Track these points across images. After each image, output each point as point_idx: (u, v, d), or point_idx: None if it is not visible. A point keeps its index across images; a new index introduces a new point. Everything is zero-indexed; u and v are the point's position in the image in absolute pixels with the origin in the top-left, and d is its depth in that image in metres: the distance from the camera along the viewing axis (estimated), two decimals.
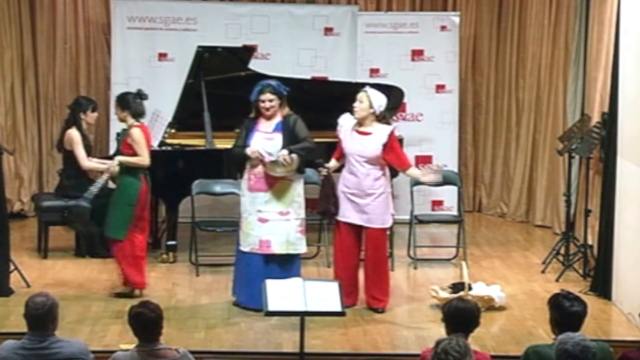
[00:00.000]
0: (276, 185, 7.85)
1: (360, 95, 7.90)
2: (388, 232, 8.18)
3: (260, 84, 7.93)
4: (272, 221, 7.86)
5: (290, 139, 7.80)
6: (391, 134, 7.88)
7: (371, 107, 7.86)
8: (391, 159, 7.92)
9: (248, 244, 7.91)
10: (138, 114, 8.17)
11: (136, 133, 8.10)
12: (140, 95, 8.24)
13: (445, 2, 11.72)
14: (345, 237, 8.01)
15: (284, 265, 7.88)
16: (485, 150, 11.90)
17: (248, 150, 7.81)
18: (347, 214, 7.96)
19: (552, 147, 10.62)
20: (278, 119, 7.89)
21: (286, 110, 7.92)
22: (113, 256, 8.30)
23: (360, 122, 7.91)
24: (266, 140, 7.82)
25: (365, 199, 7.87)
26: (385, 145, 7.84)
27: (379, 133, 7.87)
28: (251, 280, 7.77)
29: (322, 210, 8.06)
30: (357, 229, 7.97)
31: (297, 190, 7.94)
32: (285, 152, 7.73)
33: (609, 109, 8.52)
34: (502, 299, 8.10)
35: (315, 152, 8.03)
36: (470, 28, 11.73)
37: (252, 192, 7.90)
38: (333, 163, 8.12)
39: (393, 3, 11.69)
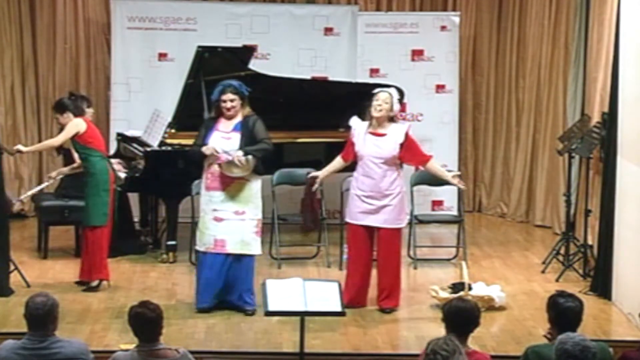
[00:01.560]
0: (232, 185, 7.78)
1: (385, 96, 7.82)
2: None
3: (222, 84, 7.88)
4: (227, 220, 7.78)
5: (249, 140, 7.74)
6: (407, 133, 7.87)
7: (392, 108, 7.85)
8: (409, 157, 7.91)
9: (203, 243, 7.84)
10: (78, 112, 8.56)
11: (70, 122, 8.45)
12: (74, 96, 8.83)
13: (445, 2, 11.73)
14: (358, 240, 7.96)
15: (237, 265, 7.81)
16: (485, 150, 11.90)
17: (204, 148, 7.74)
18: (360, 216, 7.90)
19: (552, 147, 10.62)
20: (238, 119, 7.82)
21: (247, 110, 7.84)
22: (85, 246, 8.49)
23: (376, 124, 7.85)
24: (224, 140, 7.75)
25: (383, 200, 7.83)
26: (402, 145, 7.81)
27: (395, 133, 7.84)
28: (213, 279, 7.80)
29: (304, 224, 8.19)
30: (370, 231, 7.93)
31: (254, 191, 7.85)
32: (240, 153, 7.67)
33: (609, 109, 8.52)
34: (502, 299, 8.10)
35: (272, 154, 8.00)
36: (470, 28, 11.73)
37: (208, 191, 7.83)
38: (336, 163, 8.10)
39: (393, 3, 11.69)
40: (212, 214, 7.81)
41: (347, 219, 8.04)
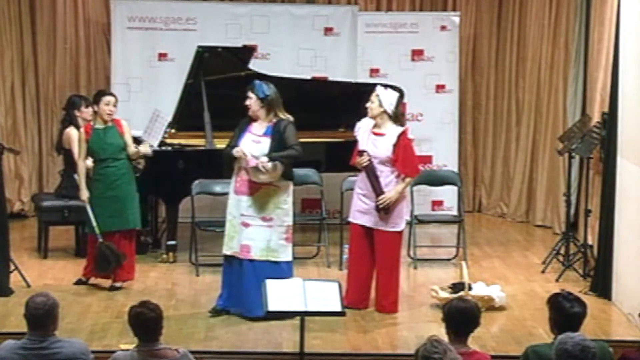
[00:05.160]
0: (260, 191, 7.64)
1: (372, 96, 7.84)
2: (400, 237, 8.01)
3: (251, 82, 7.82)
4: (253, 226, 7.65)
5: (279, 145, 7.61)
6: (400, 135, 7.79)
7: (381, 105, 7.81)
8: (396, 162, 7.80)
9: (230, 247, 7.72)
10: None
11: (124, 123, 8.55)
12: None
13: (445, 2, 11.73)
14: (357, 240, 7.94)
15: (268, 271, 7.54)
16: (485, 150, 11.90)
17: (234, 150, 7.65)
18: (357, 215, 7.90)
19: (552, 147, 10.62)
20: (269, 122, 7.70)
21: (280, 114, 7.72)
22: (123, 249, 8.44)
23: (376, 123, 7.85)
24: (254, 143, 7.65)
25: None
26: (394, 146, 7.78)
27: (391, 134, 7.82)
28: (238, 285, 7.68)
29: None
30: (370, 232, 7.90)
31: (283, 197, 7.72)
32: (265, 158, 7.55)
33: (609, 109, 8.52)
34: (502, 299, 8.10)
35: (301, 159, 7.88)
36: (470, 28, 11.73)
37: (237, 195, 7.70)
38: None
39: (393, 3, 11.70)
40: (240, 219, 7.68)
41: (349, 218, 8.05)
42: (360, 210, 7.89)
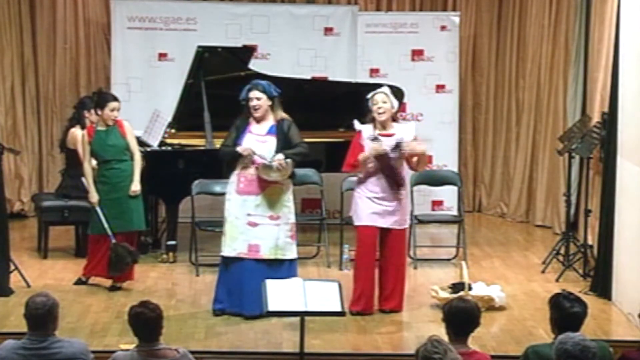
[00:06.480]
0: (268, 189, 7.66)
1: (382, 97, 7.76)
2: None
3: (251, 82, 7.81)
4: (261, 225, 7.65)
5: (284, 143, 7.64)
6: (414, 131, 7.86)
7: (393, 106, 7.81)
8: (411, 157, 7.82)
9: (234, 248, 7.68)
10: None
11: (128, 125, 8.55)
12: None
13: (445, 2, 11.74)
14: (368, 243, 7.88)
15: (272, 270, 7.56)
16: (485, 150, 11.90)
17: (240, 149, 7.62)
18: (373, 217, 7.80)
19: (552, 147, 10.62)
20: (271, 122, 7.72)
21: (280, 114, 7.74)
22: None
23: (380, 126, 7.79)
24: (259, 143, 7.65)
25: (394, 201, 7.79)
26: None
27: (402, 132, 7.81)
28: (239, 286, 7.66)
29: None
30: (377, 233, 7.87)
31: (287, 195, 7.75)
32: (281, 156, 7.57)
33: (609, 109, 8.52)
34: (502, 299, 8.10)
35: (309, 157, 7.92)
36: (470, 28, 11.74)
37: (242, 195, 7.68)
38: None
39: (393, 3, 11.70)
40: (247, 219, 7.67)
41: (357, 222, 7.88)
42: (377, 212, 7.79)
